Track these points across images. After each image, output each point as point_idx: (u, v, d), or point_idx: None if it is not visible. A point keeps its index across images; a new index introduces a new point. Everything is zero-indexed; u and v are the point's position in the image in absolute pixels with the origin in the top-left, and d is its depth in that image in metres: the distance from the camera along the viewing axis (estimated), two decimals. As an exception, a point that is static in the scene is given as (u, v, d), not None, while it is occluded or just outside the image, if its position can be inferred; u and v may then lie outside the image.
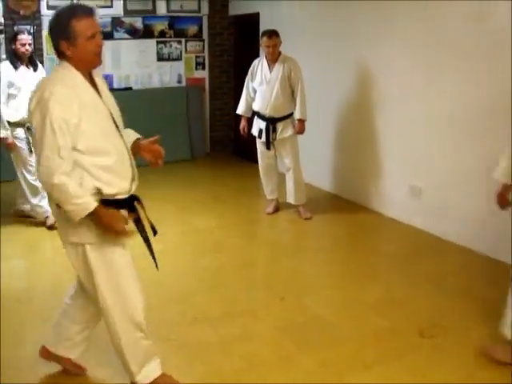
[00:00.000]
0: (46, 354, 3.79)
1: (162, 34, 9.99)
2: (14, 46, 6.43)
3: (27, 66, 6.50)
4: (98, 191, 3.13)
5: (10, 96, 6.39)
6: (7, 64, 6.47)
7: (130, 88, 9.87)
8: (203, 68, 10.45)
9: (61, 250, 3.46)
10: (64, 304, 3.73)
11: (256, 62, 6.94)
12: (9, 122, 6.35)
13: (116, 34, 9.66)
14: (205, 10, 10.20)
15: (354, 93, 7.31)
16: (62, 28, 3.07)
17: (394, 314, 4.52)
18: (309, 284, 5.13)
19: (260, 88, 6.79)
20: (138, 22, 9.79)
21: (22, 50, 6.37)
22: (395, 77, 6.56)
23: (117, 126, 3.31)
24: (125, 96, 9.51)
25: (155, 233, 3.63)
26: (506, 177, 3.64)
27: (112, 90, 9.51)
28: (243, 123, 7.12)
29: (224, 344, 4.12)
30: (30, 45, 6.44)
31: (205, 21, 10.28)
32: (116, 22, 9.63)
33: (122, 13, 9.64)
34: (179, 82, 10.26)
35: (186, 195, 7.96)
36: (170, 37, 10.07)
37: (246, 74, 7.02)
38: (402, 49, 6.41)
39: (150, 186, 8.34)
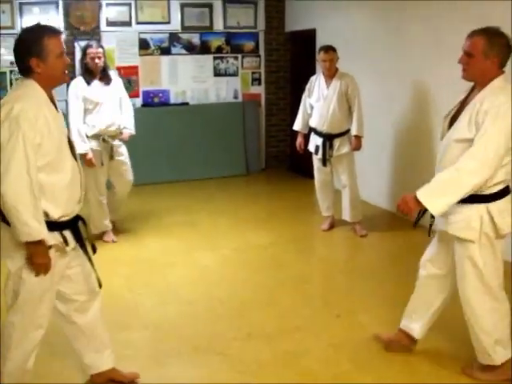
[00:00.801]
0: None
1: (219, 49, 10.05)
2: (84, 61, 6.40)
3: (100, 79, 6.44)
4: (45, 214, 3.13)
5: (86, 111, 6.38)
6: (80, 79, 6.45)
7: (187, 103, 9.93)
8: (259, 84, 10.47)
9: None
10: None
11: (313, 78, 6.94)
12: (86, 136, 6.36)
13: (173, 50, 9.74)
14: (261, 26, 10.25)
15: (411, 108, 7.25)
16: (33, 45, 3.13)
17: (450, 335, 4.40)
18: (364, 302, 5.07)
19: (317, 104, 6.78)
20: (196, 38, 9.87)
21: (92, 63, 6.34)
22: (453, 91, 6.47)
23: (71, 146, 3.36)
24: (181, 111, 9.72)
25: (95, 251, 3.51)
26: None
27: (169, 105, 9.75)
28: (300, 139, 7.11)
29: (278, 360, 4.10)
30: (99, 58, 6.34)
31: (261, 37, 10.32)
32: (173, 37, 9.72)
33: (179, 29, 9.74)
34: (235, 97, 10.30)
35: (241, 210, 7.98)
36: (227, 52, 10.14)
37: (302, 90, 7.03)
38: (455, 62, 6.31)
39: (205, 199, 8.46)
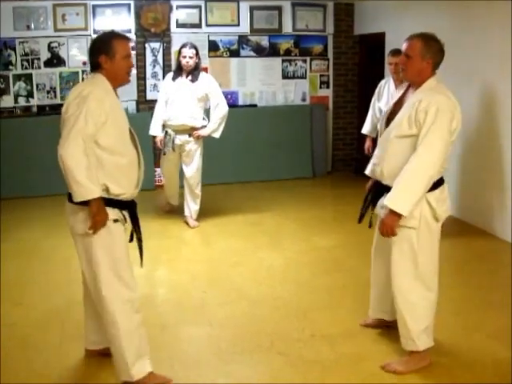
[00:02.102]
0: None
1: (288, 52, 10.12)
2: (179, 59, 7.02)
3: (187, 77, 6.98)
4: (106, 188, 3.52)
5: (166, 103, 7.11)
6: (170, 74, 7.20)
7: (255, 105, 10.05)
8: (327, 87, 10.50)
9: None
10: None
11: (383, 82, 6.95)
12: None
13: (242, 52, 9.88)
14: (330, 29, 10.28)
15: (479, 111, 7.17)
16: (104, 44, 3.62)
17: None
18: None
19: (386, 108, 6.75)
20: (264, 40, 9.98)
21: (183, 62, 6.90)
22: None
23: (133, 136, 3.78)
24: (250, 113, 9.80)
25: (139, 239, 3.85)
26: None
27: (237, 106, 9.88)
28: (368, 143, 7.12)
29: (340, 363, 4.10)
30: (191, 58, 6.89)
31: (330, 40, 10.35)
32: (243, 39, 9.87)
33: (248, 31, 9.87)
34: (303, 100, 10.35)
35: (306, 212, 8.00)
36: (296, 55, 10.20)
37: (370, 93, 7.03)
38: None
39: (271, 201, 8.52)
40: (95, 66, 3.64)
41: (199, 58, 7.04)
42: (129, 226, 3.75)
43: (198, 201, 7.23)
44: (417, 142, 3.72)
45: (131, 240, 3.79)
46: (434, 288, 4.03)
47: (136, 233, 3.80)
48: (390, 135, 3.90)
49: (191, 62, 6.88)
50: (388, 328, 4.47)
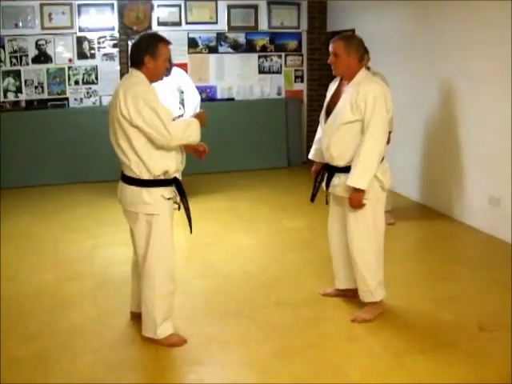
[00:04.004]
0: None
1: (264, 48, 10.57)
2: None
3: None
4: (166, 172, 4.11)
5: None
6: None
7: (233, 99, 10.53)
8: (302, 81, 10.98)
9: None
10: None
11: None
12: None
13: (220, 48, 10.33)
14: (304, 26, 10.74)
15: (440, 106, 7.63)
16: (150, 45, 4.06)
17: (459, 309, 4.88)
18: (385, 281, 5.47)
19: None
20: (241, 37, 10.44)
21: None
22: (481, 91, 6.87)
23: None
24: (227, 106, 10.27)
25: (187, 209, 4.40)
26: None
27: (215, 100, 10.34)
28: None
29: (300, 325, 4.65)
30: None
31: (304, 36, 10.81)
32: (221, 36, 10.32)
33: (226, 28, 10.32)
34: (279, 93, 10.82)
35: (280, 198, 8.50)
36: (271, 51, 10.65)
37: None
38: (484, 62, 6.71)
39: (248, 188, 8.98)
40: (138, 62, 4.08)
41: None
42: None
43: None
44: (361, 126, 4.35)
45: (179, 208, 4.35)
46: (381, 246, 4.72)
47: (184, 203, 4.32)
48: (334, 123, 4.47)
49: None
50: (344, 297, 5.05)
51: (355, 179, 4.34)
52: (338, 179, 4.54)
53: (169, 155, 4.09)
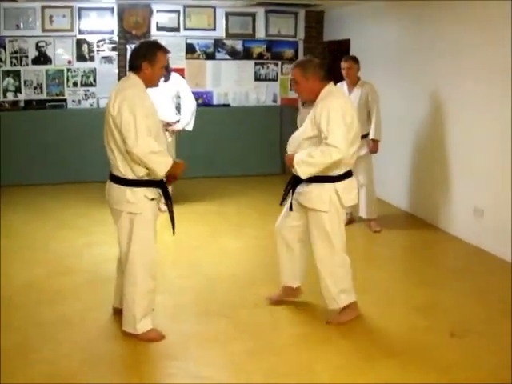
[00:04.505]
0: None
1: (260, 56, 10.71)
2: None
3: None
4: (148, 174, 4.23)
5: None
6: None
7: (228, 105, 10.68)
8: (297, 89, 11.08)
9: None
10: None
11: (338, 85, 7.53)
12: None
13: (217, 55, 10.49)
14: (301, 35, 10.89)
15: (429, 117, 7.77)
16: (149, 52, 4.26)
17: (434, 316, 5.03)
18: (365, 287, 5.57)
19: (339, 109, 7.39)
20: (239, 45, 10.60)
21: None
22: (467, 103, 7.00)
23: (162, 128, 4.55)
24: (223, 112, 10.43)
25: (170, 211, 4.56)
26: None
27: (211, 105, 10.51)
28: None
29: (277, 325, 4.82)
30: None
31: (300, 45, 10.95)
32: (218, 43, 10.48)
33: (224, 35, 10.48)
34: (274, 101, 10.95)
35: (270, 205, 8.42)
36: (268, 59, 10.80)
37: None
38: (474, 75, 6.83)
39: (239, 194, 9.13)
40: (135, 68, 4.28)
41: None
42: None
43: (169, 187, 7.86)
44: (318, 140, 4.51)
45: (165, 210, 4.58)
46: (344, 256, 4.86)
47: (168, 206, 4.49)
48: (299, 138, 4.67)
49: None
50: (288, 299, 5.24)
51: (300, 163, 4.48)
52: (313, 192, 4.65)
53: None
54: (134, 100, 4.11)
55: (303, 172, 4.49)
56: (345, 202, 4.66)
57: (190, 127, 7.99)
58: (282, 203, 5.04)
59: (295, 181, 4.77)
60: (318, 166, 4.45)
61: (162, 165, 4.18)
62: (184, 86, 7.98)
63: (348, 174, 4.69)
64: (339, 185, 4.61)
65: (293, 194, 4.83)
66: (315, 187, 4.61)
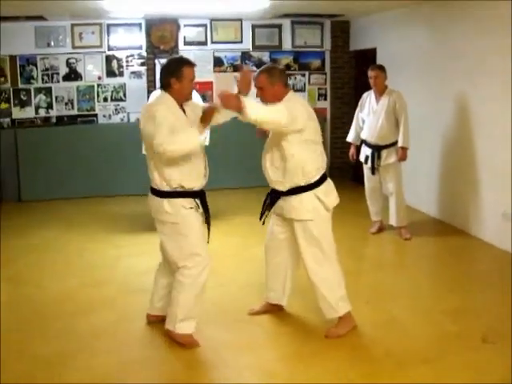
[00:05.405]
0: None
1: (288, 67, 10.71)
2: None
3: None
4: (182, 186, 4.39)
5: None
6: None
7: (258, 116, 10.67)
8: (325, 99, 11.17)
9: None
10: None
11: (365, 94, 7.56)
12: None
13: (245, 67, 10.50)
14: (327, 45, 10.96)
15: (456, 122, 7.76)
16: (176, 69, 4.40)
17: (464, 321, 5.02)
18: (394, 293, 5.68)
19: (368, 118, 7.41)
20: (266, 56, 10.68)
21: None
22: (492, 107, 7.02)
23: None
24: (252, 125, 10.41)
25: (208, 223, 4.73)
26: None
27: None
28: (352, 150, 7.76)
29: (307, 333, 4.86)
30: None
31: (327, 55, 11.02)
32: (245, 55, 10.60)
33: (250, 47, 10.60)
34: (302, 111, 10.96)
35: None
36: (295, 70, 10.87)
37: (363, 105, 7.67)
38: (500, 79, 6.80)
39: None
40: (165, 85, 4.43)
41: None
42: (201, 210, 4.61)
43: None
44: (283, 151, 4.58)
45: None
46: (336, 262, 4.82)
47: (205, 217, 4.65)
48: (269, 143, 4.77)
49: None
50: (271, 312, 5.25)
51: (249, 103, 4.32)
52: (295, 203, 4.66)
53: (183, 169, 4.38)
54: (156, 113, 4.26)
55: (249, 113, 4.25)
56: (329, 204, 4.69)
57: (207, 142, 7.99)
58: (261, 218, 4.99)
59: (273, 195, 4.81)
60: (267, 112, 4.40)
61: (190, 137, 4.31)
62: (200, 101, 7.95)
63: (324, 178, 4.71)
64: (318, 190, 4.64)
65: (270, 207, 4.88)
66: (296, 198, 4.64)
